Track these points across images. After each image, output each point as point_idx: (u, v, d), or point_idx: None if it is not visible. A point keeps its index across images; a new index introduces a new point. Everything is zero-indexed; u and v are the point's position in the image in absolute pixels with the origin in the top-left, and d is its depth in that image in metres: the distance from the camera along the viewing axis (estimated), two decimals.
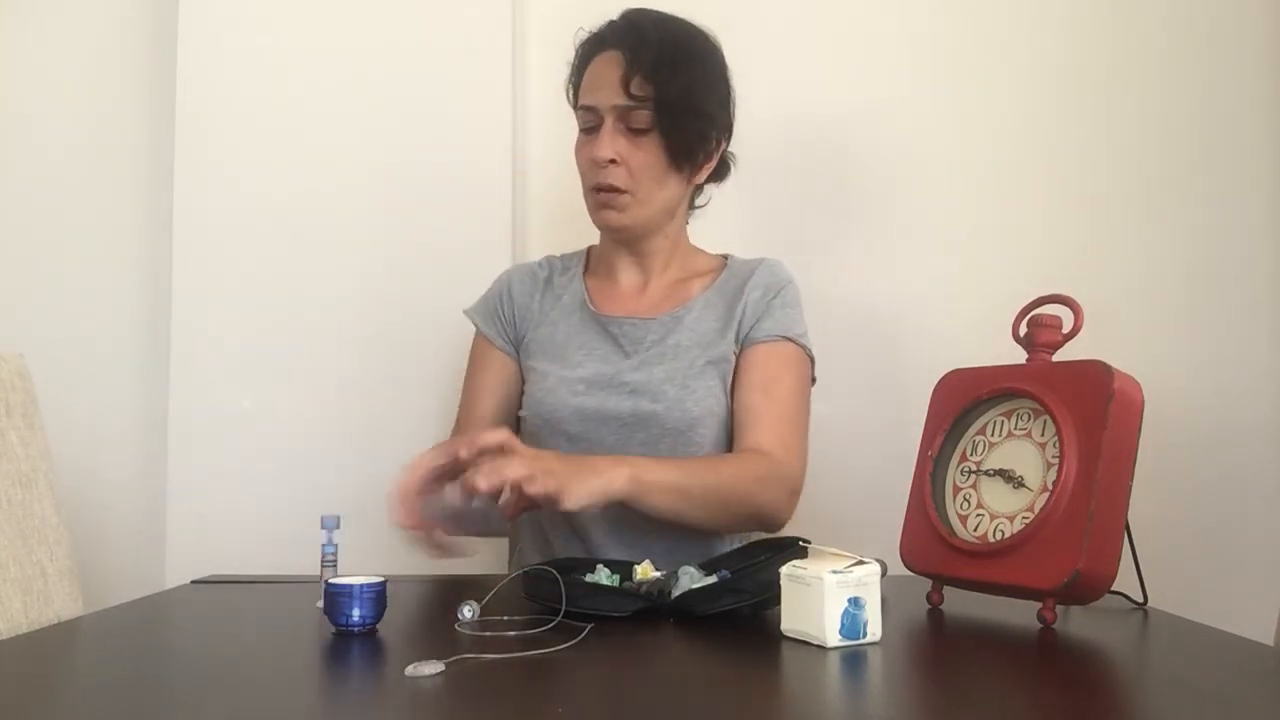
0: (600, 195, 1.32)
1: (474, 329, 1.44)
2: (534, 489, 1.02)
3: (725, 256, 1.46)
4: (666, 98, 1.29)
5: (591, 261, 1.47)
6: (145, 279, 1.70)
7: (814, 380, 1.39)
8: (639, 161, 1.30)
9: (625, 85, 1.28)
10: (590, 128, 1.33)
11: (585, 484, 1.07)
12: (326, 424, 1.63)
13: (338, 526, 1.07)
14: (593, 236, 1.47)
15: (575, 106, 1.37)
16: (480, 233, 1.66)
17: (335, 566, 1.06)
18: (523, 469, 1.02)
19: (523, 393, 1.40)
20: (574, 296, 1.41)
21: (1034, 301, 1.09)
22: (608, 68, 1.30)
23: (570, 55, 1.38)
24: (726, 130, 1.37)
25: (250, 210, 1.65)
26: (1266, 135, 1.67)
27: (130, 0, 1.72)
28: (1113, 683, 0.81)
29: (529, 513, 1.38)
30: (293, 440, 1.63)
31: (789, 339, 1.34)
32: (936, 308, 1.67)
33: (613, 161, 1.29)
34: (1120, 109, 1.68)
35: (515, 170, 1.69)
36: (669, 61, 1.29)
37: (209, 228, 1.64)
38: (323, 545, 1.06)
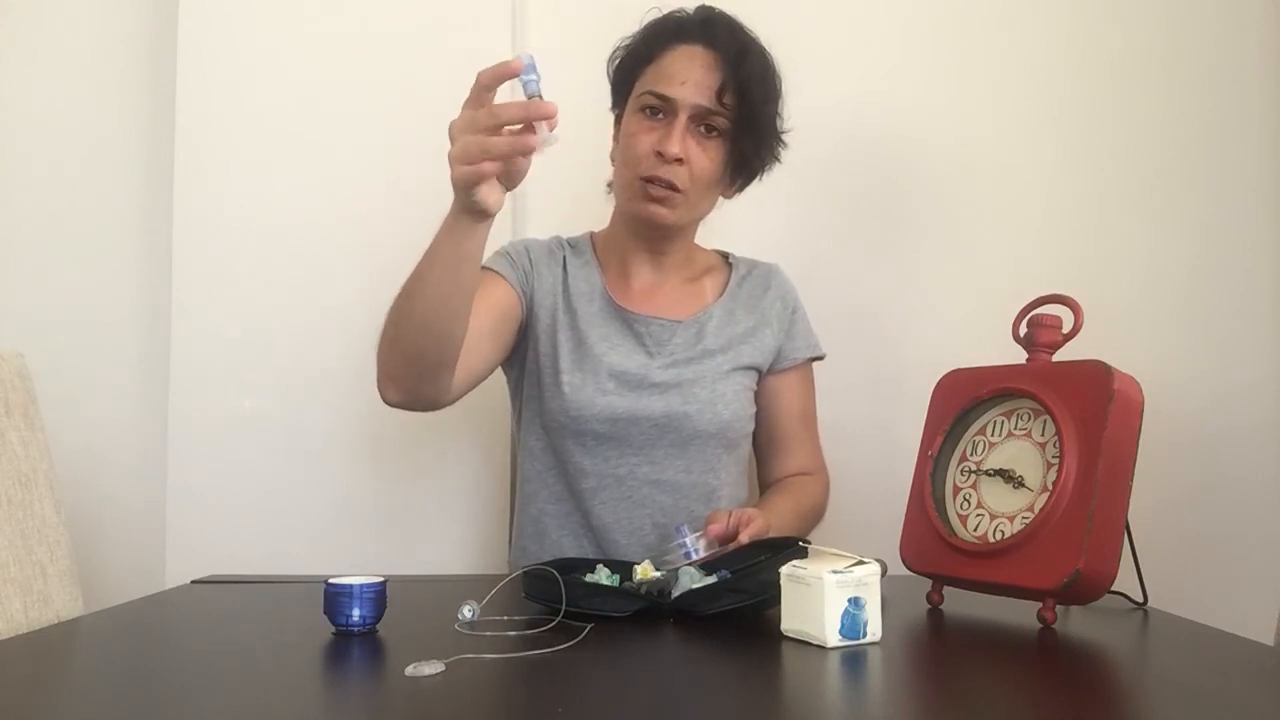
0: (653, 187, 1.29)
1: None
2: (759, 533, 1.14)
3: (724, 254, 1.48)
4: (749, 116, 1.29)
5: (599, 251, 1.45)
6: (145, 279, 1.70)
7: None
8: (702, 167, 1.29)
9: (719, 92, 1.27)
10: (654, 113, 1.30)
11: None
12: (327, 424, 1.63)
13: (534, 66, 0.97)
14: (589, 225, 1.47)
15: (630, 87, 1.34)
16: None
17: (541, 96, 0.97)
18: (764, 523, 1.16)
19: (520, 369, 1.39)
20: (591, 285, 1.40)
21: (1034, 301, 1.09)
22: (694, 65, 1.28)
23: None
24: (777, 160, 1.39)
25: (250, 210, 1.64)
26: (1267, 135, 1.67)
27: (130, 0, 1.72)
28: (1113, 683, 0.81)
29: (531, 508, 1.38)
30: (293, 440, 1.62)
31: (814, 358, 1.45)
32: (936, 308, 1.67)
33: (678, 160, 1.27)
34: (1121, 109, 1.68)
35: None
36: (760, 81, 1.30)
37: (209, 228, 1.64)
38: (524, 83, 0.97)
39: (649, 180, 1.29)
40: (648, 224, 1.33)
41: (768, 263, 1.48)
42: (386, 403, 1.21)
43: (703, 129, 1.29)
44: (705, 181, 1.31)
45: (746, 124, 1.30)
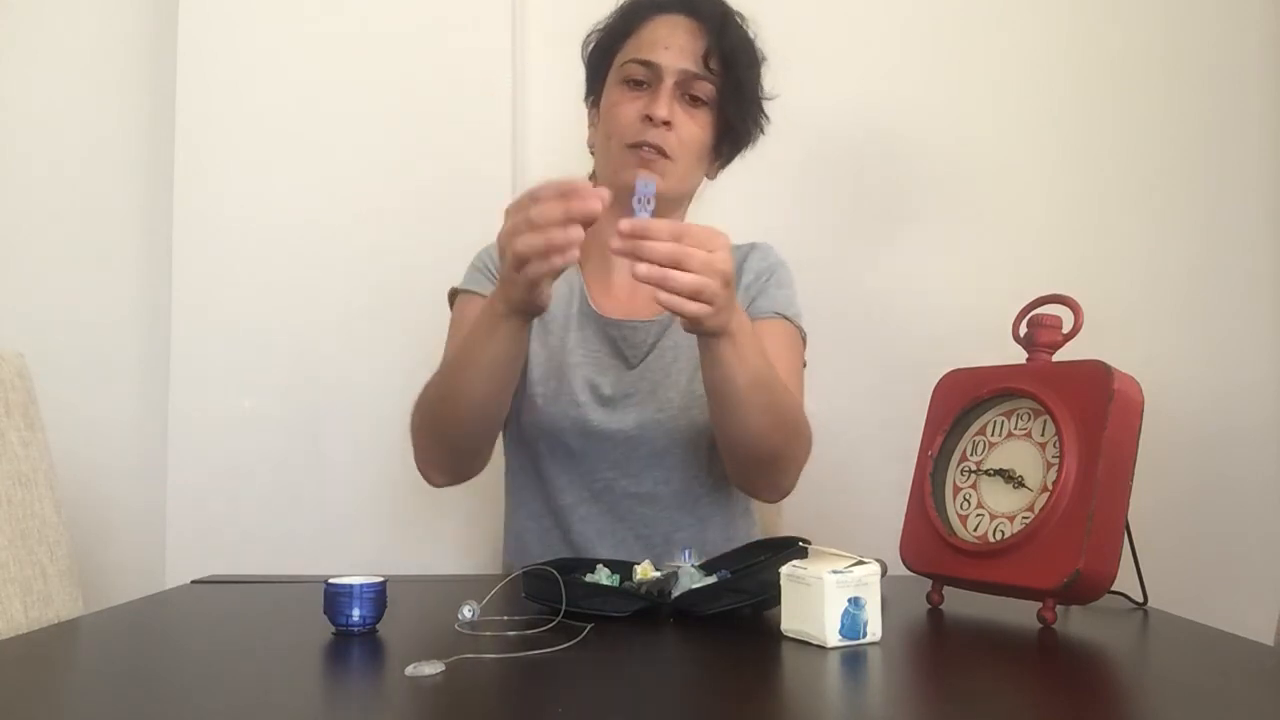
0: (643, 152, 1.23)
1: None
2: (709, 306, 0.97)
3: None
4: (736, 83, 1.26)
5: (584, 244, 1.39)
6: (145, 279, 1.70)
7: (803, 364, 1.34)
8: (690, 133, 1.25)
9: (704, 57, 1.23)
10: (638, 84, 1.25)
11: (726, 317, 1.02)
12: (327, 424, 1.63)
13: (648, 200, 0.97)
14: None
15: (608, 65, 1.30)
16: (482, 233, 1.65)
17: (649, 209, 0.97)
18: (720, 279, 0.98)
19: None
20: (569, 286, 1.33)
21: (1034, 301, 1.09)
22: (678, 31, 1.25)
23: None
24: (761, 132, 1.34)
25: (250, 210, 1.65)
26: (1267, 135, 1.67)
27: (130, 1, 1.72)
28: (1113, 683, 0.81)
29: (522, 509, 1.33)
30: (293, 440, 1.63)
31: (785, 317, 1.30)
32: (937, 308, 1.67)
33: (666, 123, 1.22)
34: (1121, 109, 1.68)
35: (516, 170, 1.69)
36: (745, 49, 1.27)
37: (209, 228, 1.64)
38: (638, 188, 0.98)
39: (639, 146, 1.23)
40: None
41: (753, 242, 1.38)
42: (432, 485, 1.25)
43: (688, 98, 1.25)
44: (694, 151, 1.26)
45: (733, 90, 1.26)
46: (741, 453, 1.18)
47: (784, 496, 1.25)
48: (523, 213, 0.98)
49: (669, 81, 1.23)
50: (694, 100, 1.26)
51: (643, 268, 0.95)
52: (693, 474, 1.29)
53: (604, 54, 1.31)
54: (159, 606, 1.11)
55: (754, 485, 1.26)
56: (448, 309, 1.35)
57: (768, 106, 1.33)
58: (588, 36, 1.34)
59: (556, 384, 1.27)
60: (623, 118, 1.24)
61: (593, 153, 1.34)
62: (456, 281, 1.35)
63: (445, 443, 1.18)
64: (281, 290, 1.64)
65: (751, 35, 1.29)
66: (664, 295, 0.96)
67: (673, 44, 1.24)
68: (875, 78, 1.70)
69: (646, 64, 1.24)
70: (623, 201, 1.25)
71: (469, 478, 1.26)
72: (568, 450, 1.27)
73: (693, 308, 0.98)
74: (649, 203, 0.98)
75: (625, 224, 0.96)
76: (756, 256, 1.35)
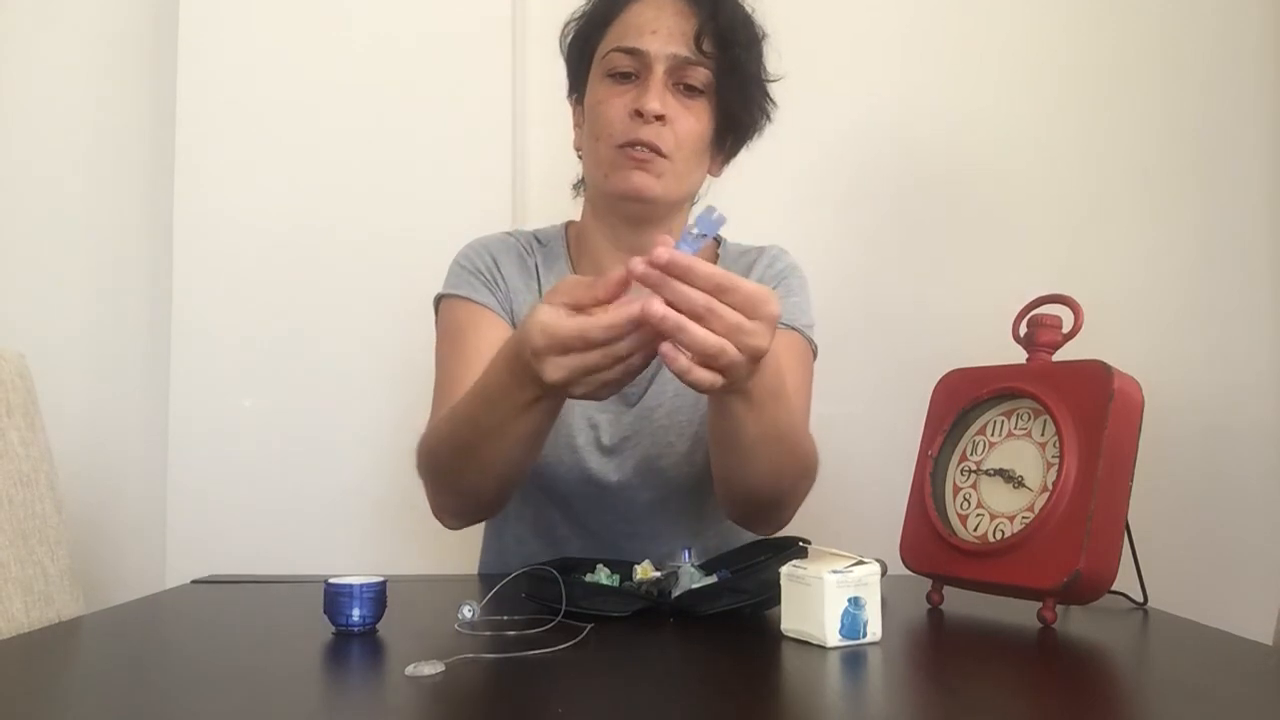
0: (635, 153, 1.10)
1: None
2: (720, 377, 0.83)
3: (716, 239, 1.31)
4: (734, 65, 1.13)
5: (572, 251, 1.26)
6: (145, 279, 1.70)
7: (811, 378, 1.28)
8: (687, 127, 1.12)
9: (697, 38, 1.10)
10: (625, 75, 1.13)
11: (740, 386, 0.89)
12: (327, 424, 1.63)
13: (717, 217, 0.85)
14: None
15: (590, 58, 1.18)
16: (481, 234, 1.66)
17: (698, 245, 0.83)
18: (749, 356, 0.82)
19: None
20: None
21: (1034, 301, 1.09)
22: (665, 13, 1.12)
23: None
24: (767, 119, 1.22)
25: (250, 210, 1.65)
26: (1267, 135, 1.67)
27: (131, 1, 1.72)
28: (1113, 683, 0.81)
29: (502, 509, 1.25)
30: (293, 440, 1.63)
31: (794, 328, 1.21)
32: (937, 307, 1.67)
33: (659, 118, 1.09)
34: (1120, 109, 1.68)
35: (515, 171, 1.69)
36: (743, 25, 1.14)
37: (209, 228, 1.64)
38: (701, 223, 0.84)
39: (631, 145, 1.10)
40: (634, 198, 1.13)
41: (764, 246, 1.28)
42: (447, 528, 1.17)
43: (682, 87, 1.12)
44: (692, 146, 1.13)
45: (732, 74, 1.13)
46: (741, 496, 1.09)
47: (781, 530, 1.18)
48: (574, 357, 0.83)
49: (659, 70, 1.11)
50: (689, 90, 1.13)
51: (658, 307, 0.78)
52: (696, 515, 1.23)
53: (584, 44, 1.19)
54: (159, 606, 1.11)
55: (750, 522, 1.18)
56: None
57: (774, 90, 1.21)
58: (565, 26, 1.22)
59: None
60: (610, 115, 1.12)
61: (580, 156, 1.23)
62: None
63: (462, 495, 1.10)
64: (281, 290, 1.64)
65: (749, 10, 1.17)
66: (667, 347, 0.80)
67: (660, 27, 1.11)
68: (877, 81, 1.70)
69: (632, 52, 1.11)
70: (616, 209, 1.18)
71: (486, 519, 1.21)
72: (562, 494, 1.21)
73: (701, 375, 0.82)
74: (701, 240, 0.84)
75: (664, 254, 0.78)
76: (765, 261, 1.26)
